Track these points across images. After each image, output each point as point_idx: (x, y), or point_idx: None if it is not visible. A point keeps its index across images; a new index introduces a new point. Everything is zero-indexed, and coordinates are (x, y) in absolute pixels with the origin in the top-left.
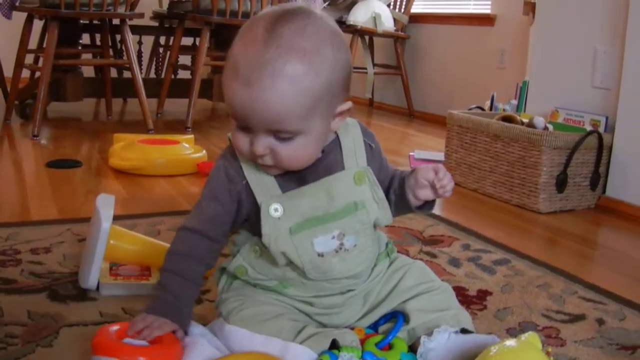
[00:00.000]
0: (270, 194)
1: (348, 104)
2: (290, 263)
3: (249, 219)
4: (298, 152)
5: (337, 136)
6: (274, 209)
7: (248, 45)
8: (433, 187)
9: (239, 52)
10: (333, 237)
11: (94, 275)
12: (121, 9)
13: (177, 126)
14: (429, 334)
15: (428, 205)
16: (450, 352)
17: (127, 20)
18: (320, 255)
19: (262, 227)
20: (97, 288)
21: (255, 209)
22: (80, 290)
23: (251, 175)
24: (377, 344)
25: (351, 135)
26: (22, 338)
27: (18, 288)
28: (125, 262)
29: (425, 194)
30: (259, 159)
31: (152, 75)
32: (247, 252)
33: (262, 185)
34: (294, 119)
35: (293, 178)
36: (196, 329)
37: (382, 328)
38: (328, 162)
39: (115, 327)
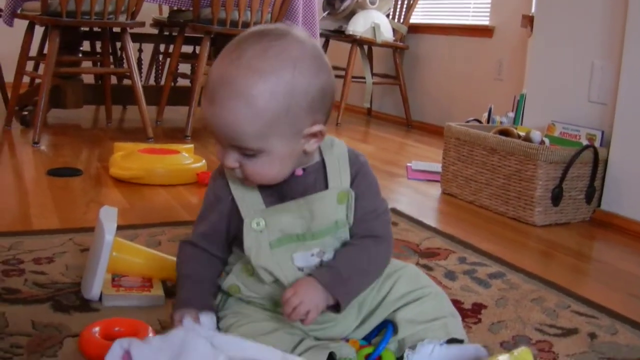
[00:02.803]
0: (254, 209)
1: (318, 127)
2: (275, 281)
3: (237, 235)
4: (263, 170)
5: (322, 158)
6: (256, 223)
7: (217, 63)
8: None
9: (211, 69)
10: (312, 255)
11: (97, 286)
12: (122, 18)
13: (176, 134)
14: (413, 347)
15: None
16: None
17: (128, 28)
18: (301, 269)
19: (245, 240)
20: (100, 299)
21: (242, 224)
22: (83, 301)
23: (237, 190)
24: (367, 357)
25: (336, 155)
26: (27, 348)
27: (22, 298)
28: (127, 273)
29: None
30: (232, 172)
31: (152, 82)
32: (239, 271)
33: (246, 200)
34: (249, 137)
35: (274, 194)
36: (205, 317)
37: (374, 340)
38: (308, 181)
39: (97, 328)
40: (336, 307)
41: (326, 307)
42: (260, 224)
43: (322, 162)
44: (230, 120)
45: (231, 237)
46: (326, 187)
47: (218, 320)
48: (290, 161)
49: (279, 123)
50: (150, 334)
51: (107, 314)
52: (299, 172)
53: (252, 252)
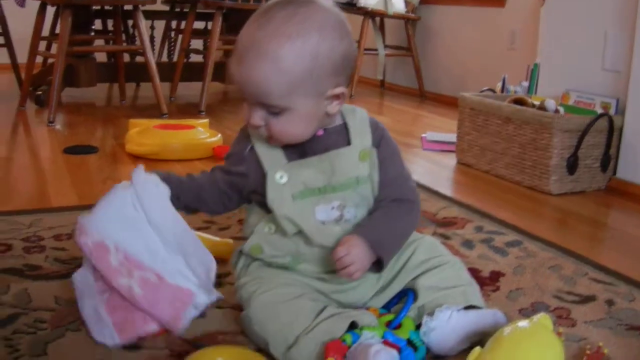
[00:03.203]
0: (277, 163)
1: (340, 89)
2: (297, 234)
3: (255, 189)
4: (287, 128)
5: (345, 121)
6: (280, 176)
7: (246, 27)
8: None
9: (240, 34)
10: (333, 208)
11: None
12: None
13: (190, 110)
14: (431, 313)
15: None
16: (453, 330)
17: (139, 6)
18: (322, 223)
19: (268, 192)
20: None
21: (262, 177)
22: None
23: (259, 145)
24: (388, 324)
25: (358, 119)
26: (51, 323)
27: (44, 274)
28: None
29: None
30: (257, 130)
31: (164, 59)
32: (261, 230)
33: (269, 154)
34: (276, 94)
35: (296, 151)
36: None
37: (394, 308)
38: (330, 140)
39: None
40: (377, 267)
41: None
42: (283, 177)
43: (344, 125)
44: (258, 79)
45: (248, 190)
46: (348, 144)
47: (240, 286)
48: (313, 121)
49: (303, 83)
50: None
51: None
52: (320, 132)
53: (276, 203)
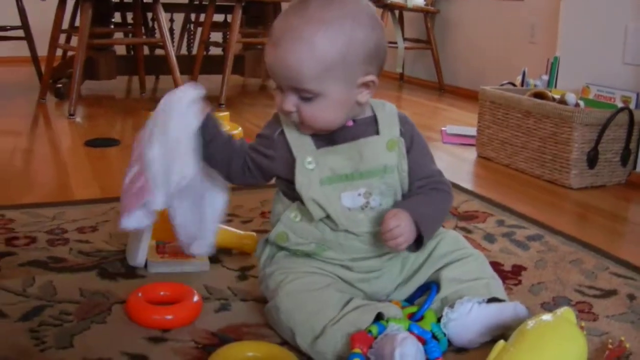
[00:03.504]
0: (306, 149)
1: (371, 77)
2: (325, 217)
3: (281, 174)
4: (318, 113)
5: (374, 113)
6: (308, 162)
7: (284, 14)
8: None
9: (277, 20)
10: (359, 194)
11: (142, 253)
12: None
13: (210, 102)
14: (452, 305)
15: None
16: (473, 323)
17: None
18: (348, 209)
19: (296, 176)
20: (145, 266)
21: (290, 162)
22: (129, 268)
23: (289, 131)
24: (411, 316)
25: (387, 112)
26: (76, 315)
27: (68, 266)
28: (171, 240)
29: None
30: (289, 116)
31: (183, 51)
32: (287, 218)
33: (299, 141)
34: (309, 78)
35: (325, 139)
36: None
37: (417, 301)
38: (359, 130)
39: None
40: (416, 246)
41: None
42: (312, 163)
43: (374, 117)
44: (291, 62)
45: (270, 176)
46: (377, 134)
47: (266, 276)
48: (343, 108)
49: (336, 68)
50: (196, 298)
51: (153, 280)
52: (350, 123)
53: (304, 187)
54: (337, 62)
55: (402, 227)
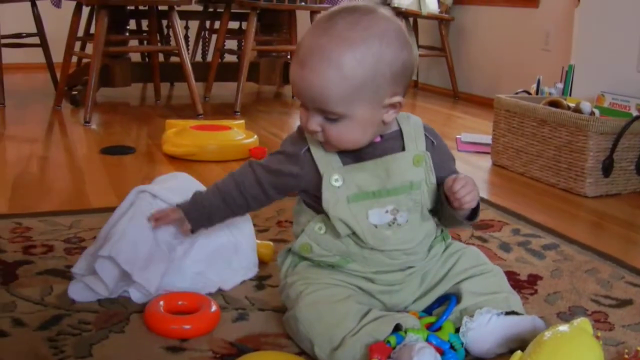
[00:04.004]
0: (332, 166)
1: (398, 98)
2: (351, 234)
3: (307, 189)
4: (344, 134)
5: (400, 127)
6: (335, 179)
7: (310, 32)
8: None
9: (303, 38)
10: (387, 211)
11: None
12: None
13: (225, 110)
14: (472, 315)
15: (470, 216)
16: (491, 333)
17: (175, 7)
18: (374, 226)
19: (323, 193)
20: None
21: (316, 179)
22: None
23: (315, 148)
24: (429, 326)
25: (412, 125)
26: (95, 324)
27: None
28: None
29: (450, 201)
30: (313, 135)
31: (198, 58)
32: (312, 230)
33: (325, 158)
34: (335, 101)
35: (352, 156)
36: None
37: (435, 311)
38: (386, 146)
39: (161, 302)
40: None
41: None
42: (339, 180)
43: (400, 131)
44: (318, 83)
45: (295, 188)
46: (403, 149)
47: (287, 285)
48: (370, 129)
49: (363, 90)
50: (214, 307)
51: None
52: (377, 139)
53: (330, 205)
54: (365, 84)
55: (470, 184)
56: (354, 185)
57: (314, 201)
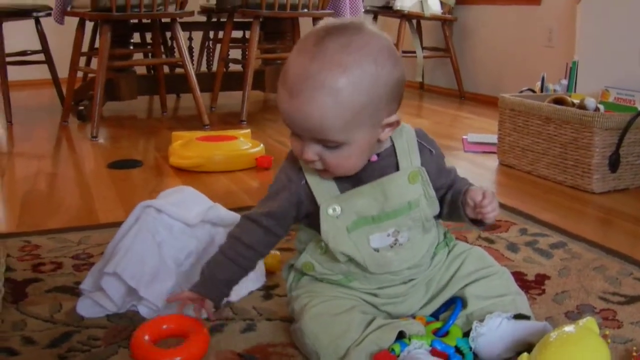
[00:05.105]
0: (329, 195)
1: (395, 117)
2: (351, 260)
3: (309, 215)
4: (343, 161)
5: (392, 143)
6: (332, 209)
7: (297, 56)
8: (476, 208)
9: (289, 62)
10: (388, 235)
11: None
12: (171, 8)
13: (231, 119)
14: (482, 319)
15: (480, 223)
16: (501, 338)
17: (177, 19)
18: (376, 250)
19: (321, 225)
20: None
21: (315, 208)
22: None
23: (311, 177)
24: (435, 332)
25: (405, 138)
26: (104, 340)
27: None
28: None
29: (469, 211)
30: (310, 164)
31: (203, 68)
32: (313, 249)
33: (321, 186)
34: (335, 130)
35: (349, 180)
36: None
37: (442, 316)
38: (383, 165)
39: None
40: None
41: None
42: (337, 209)
43: (393, 148)
44: (315, 114)
45: (300, 217)
46: (397, 169)
47: (293, 299)
48: (367, 151)
49: (362, 115)
50: (202, 329)
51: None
52: (374, 158)
53: (330, 237)
54: (363, 108)
55: (495, 201)
56: (353, 212)
57: (314, 227)
